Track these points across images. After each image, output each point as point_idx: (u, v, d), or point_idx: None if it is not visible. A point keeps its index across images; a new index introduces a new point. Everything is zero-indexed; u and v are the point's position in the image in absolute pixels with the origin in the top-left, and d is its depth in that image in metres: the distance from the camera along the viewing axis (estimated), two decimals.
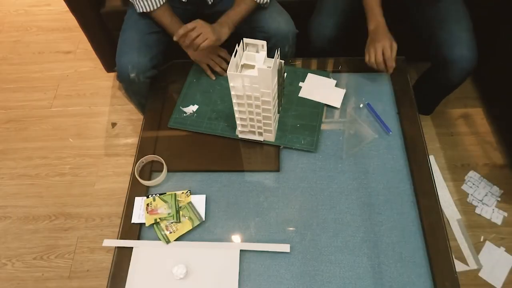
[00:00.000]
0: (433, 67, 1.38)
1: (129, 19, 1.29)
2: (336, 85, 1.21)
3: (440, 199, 1.01)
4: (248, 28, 1.27)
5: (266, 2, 1.23)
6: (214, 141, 1.13)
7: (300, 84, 1.22)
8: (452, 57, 1.23)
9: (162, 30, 1.26)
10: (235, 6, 1.20)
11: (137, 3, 1.19)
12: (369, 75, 1.25)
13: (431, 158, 1.56)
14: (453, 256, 0.92)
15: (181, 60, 1.32)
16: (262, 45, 0.95)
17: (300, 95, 1.19)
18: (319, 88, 1.20)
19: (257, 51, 0.96)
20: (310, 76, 1.23)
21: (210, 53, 1.24)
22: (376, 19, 1.19)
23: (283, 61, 1.02)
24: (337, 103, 1.17)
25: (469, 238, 1.38)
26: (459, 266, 1.31)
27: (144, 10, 1.20)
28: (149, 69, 1.23)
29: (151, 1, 1.18)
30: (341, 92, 1.19)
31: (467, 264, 1.33)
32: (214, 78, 1.25)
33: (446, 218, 1.42)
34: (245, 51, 0.96)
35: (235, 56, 0.91)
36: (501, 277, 1.31)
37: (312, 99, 1.18)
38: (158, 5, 1.19)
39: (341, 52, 1.34)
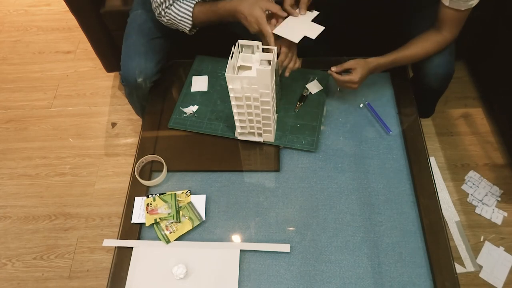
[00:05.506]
0: (413, 74, 1.37)
1: (133, 23, 1.29)
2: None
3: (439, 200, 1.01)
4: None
5: None
6: (214, 141, 1.13)
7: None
8: (425, 64, 1.20)
9: (165, 34, 1.25)
10: None
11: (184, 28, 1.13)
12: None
13: (432, 160, 1.56)
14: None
15: (182, 60, 1.32)
16: (258, 46, 0.95)
17: (274, 31, 1.02)
18: (295, 26, 1.04)
19: (253, 52, 0.96)
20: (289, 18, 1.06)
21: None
22: (387, 59, 1.13)
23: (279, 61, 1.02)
24: (312, 35, 1.02)
25: (467, 240, 1.38)
26: (456, 268, 1.31)
27: (188, 29, 1.13)
28: (155, 74, 1.24)
29: (185, 19, 1.10)
30: (319, 28, 1.04)
31: (464, 266, 1.33)
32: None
33: (445, 219, 1.42)
34: (241, 53, 0.96)
35: (231, 58, 0.91)
36: (501, 277, 1.31)
37: (286, 37, 1.02)
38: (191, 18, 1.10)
39: (327, 50, 1.34)
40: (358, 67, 1.09)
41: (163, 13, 1.11)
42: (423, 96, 1.34)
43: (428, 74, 1.22)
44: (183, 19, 1.09)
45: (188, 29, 1.12)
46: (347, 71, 1.11)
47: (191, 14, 1.08)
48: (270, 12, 1.00)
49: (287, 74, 1.05)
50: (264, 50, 0.97)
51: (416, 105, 1.18)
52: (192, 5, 1.08)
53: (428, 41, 1.13)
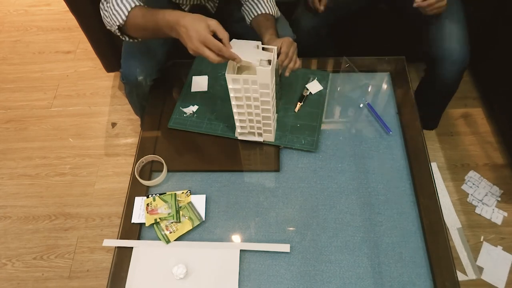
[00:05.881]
0: (426, 68, 1.36)
1: None
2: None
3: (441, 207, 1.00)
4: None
5: (277, 12, 1.22)
6: (214, 141, 1.13)
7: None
8: (442, 52, 1.20)
9: None
10: (265, 23, 1.14)
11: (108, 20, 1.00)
12: (369, 75, 1.25)
13: (433, 165, 1.55)
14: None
15: (182, 60, 1.32)
16: (258, 46, 0.95)
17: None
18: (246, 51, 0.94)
19: None
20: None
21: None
22: None
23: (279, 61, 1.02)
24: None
25: (469, 247, 1.37)
26: (458, 276, 1.31)
27: (113, 27, 0.99)
28: (155, 72, 1.24)
29: (118, 14, 0.96)
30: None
31: (465, 274, 1.32)
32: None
33: (445, 220, 1.42)
34: None
35: None
36: (502, 277, 1.31)
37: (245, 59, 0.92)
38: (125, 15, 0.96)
39: (331, 49, 1.34)
40: None
41: (102, 7, 1.00)
42: (433, 99, 1.32)
43: (444, 62, 1.22)
44: (117, 12, 0.96)
45: (117, 24, 0.97)
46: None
47: (127, 12, 0.96)
48: (214, 33, 0.89)
49: (287, 74, 1.05)
50: (264, 50, 0.96)
51: (416, 105, 1.18)
52: (133, 5, 0.97)
53: None
